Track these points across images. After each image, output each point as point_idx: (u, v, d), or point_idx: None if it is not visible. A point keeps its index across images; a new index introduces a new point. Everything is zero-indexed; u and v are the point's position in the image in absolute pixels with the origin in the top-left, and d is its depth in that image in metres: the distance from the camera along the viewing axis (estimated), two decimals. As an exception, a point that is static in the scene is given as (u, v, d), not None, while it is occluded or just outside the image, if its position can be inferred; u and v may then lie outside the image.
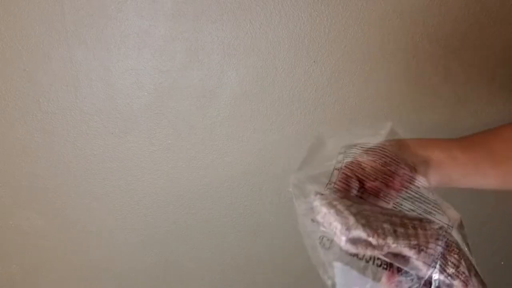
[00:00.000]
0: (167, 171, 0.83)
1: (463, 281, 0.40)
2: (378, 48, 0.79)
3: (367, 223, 0.39)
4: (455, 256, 0.41)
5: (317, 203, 0.42)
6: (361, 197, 0.44)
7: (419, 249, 0.39)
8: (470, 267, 0.41)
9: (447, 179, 0.49)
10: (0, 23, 0.70)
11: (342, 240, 0.39)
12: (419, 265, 0.39)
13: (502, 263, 1.00)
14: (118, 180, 0.83)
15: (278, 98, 0.80)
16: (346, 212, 0.40)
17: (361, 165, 0.44)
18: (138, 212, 0.86)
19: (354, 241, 0.39)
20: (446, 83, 0.84)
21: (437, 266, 0.40)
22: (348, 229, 0.39)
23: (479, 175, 0.50)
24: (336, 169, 0.44)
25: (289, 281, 0.97)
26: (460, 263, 0.40)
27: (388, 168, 0.44)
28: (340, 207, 0.40)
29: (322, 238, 0.42)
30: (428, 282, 0.40)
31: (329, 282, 0.41)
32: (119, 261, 0.90)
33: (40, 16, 0.70)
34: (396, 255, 0.39)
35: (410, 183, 0.44)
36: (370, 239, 0.38)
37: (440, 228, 0.41)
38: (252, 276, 0.96)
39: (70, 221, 0.86)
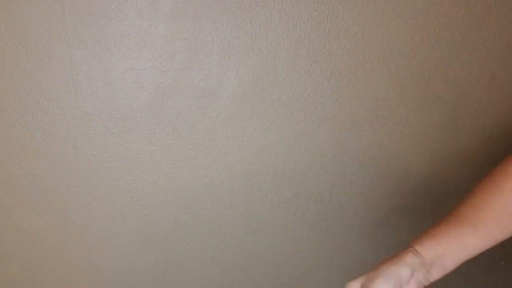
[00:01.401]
0: (167, 171, 0.83)
1: None
2: (378, 48, 0.79)
3: None
4: None
5: None
6: None
7: None
8: None
9: (463, 261, 0.54)
10: (0, 23, 0.70)
11: None
12: None
13: (502, 263, 1.00)
14: (118, 180, 0.83)
15: (278, 98, 0.80)
16: None
17: None
18: (138, 212, 0.86)
19: None
20: (446, 83, 0.84)
21: None
22: None
23: (490, 244, 0.54)
24: None
25: (289, 281, 0.97)
26: None
27: None
28: None
29: None
30: None
31: None
32: (119, 261, 0.90)
33: (40, 16, 0.70)
34: None
35: None
36: None
37: None
38: (252, 276, 0.96)
39: (70, 221, 0.86)
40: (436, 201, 0.93)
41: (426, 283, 0.53)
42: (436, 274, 0.53)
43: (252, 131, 0.82)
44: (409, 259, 0.52)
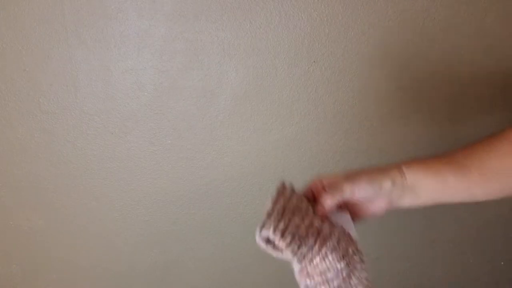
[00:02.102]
0: (167, 171, 0.83)
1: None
2: (378, 48, 0.79)
3: (286, 229, 0.47)
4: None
5: (269, 199, 0.51)
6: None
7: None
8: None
9: (436, 200, 0.54)
10: (0, 23, 0.70)
11: (256, 235, 0.49)
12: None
13: (502, 263, 1.00)
14: (118, 180, 0.83)
15: (278, 98, 0.80)
16: (275, 214, 0.48)
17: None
18: (138, 212, 0.86)
19: (265, 239, 0.48)
20: (448, 83, 0.84)
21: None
22: (262, 227, 0.48)
23: (467, 195, 0.54)
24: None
25: (289, 281, 0.97)
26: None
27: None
28: (278, 208, 0.49)
29: None
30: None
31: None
32: (119, 261, 0.90)
33: (40, 16, 0.70)
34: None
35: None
36: (276, 240, 0.46)
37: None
38: (252, 276, 0.96)
39: (70, 221, 0.86)
40: (436, 201, 0.93)
41: (394, 206, 0.54)
42: (408, 201, 0.53)
43: (252, 131, 0.82)
44: (394, 174, 0.52)
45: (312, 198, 0.55)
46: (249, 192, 0.87)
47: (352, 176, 0.53)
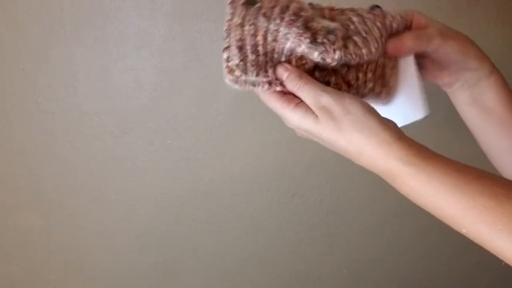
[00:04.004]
0: (167, 171, 0.83)
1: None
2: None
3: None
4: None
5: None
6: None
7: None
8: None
9: (478, 100, 0.50)
10: (-1, 23, 0.70)
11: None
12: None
13: (503, 263, 1.00)
14: (118, 180, 0.83)
15: (278, 98, 0.80)
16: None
17: None
18: (138, 212, 0.86)
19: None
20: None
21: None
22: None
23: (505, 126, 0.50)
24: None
25: (289, 281, 0.97)
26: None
27: None
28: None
29: None
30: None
31: None
32: (119, 261, 0.90)
33: (39, 15, 0.70)
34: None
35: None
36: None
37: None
38: (252, 276, 0.95)
39: (70, 221, 0.86)
40: (437, 201, 0.93)
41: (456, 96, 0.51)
42: (468, 101, 0.50)
43: (252, 131, 0.82)
44: (488, 65, 0.50)
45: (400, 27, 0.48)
46: (249, 192, 0.87)
47: (449, 33, 0.48)
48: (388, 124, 0.43)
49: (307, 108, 0.44)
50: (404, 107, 0.50)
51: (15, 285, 0.90)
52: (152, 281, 0.93)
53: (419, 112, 0.49)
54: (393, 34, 0.48)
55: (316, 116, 0.43)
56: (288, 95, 0.45)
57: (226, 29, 0.46)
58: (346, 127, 0.42)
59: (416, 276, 1.02)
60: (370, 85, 0.47)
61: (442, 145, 0.44)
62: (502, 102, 0.50)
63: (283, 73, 0.45)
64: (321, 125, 0.43)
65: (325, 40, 0.44)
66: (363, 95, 0.48)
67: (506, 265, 0.39)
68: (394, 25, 0.48)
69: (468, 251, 0.97)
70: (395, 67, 0.49)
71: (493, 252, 0.38)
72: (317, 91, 0.43)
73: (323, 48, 0.44)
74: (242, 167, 0.85)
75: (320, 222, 0.92)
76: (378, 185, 0.91)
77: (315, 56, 0.44)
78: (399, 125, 0.45)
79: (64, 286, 0.91)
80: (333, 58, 0.44)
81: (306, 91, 0.44)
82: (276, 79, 0.45)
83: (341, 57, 0.44)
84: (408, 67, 0.49)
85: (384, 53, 0.48)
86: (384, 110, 0.47)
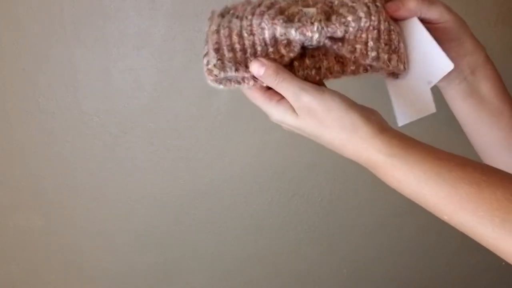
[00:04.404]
0: (167, 171, 0.83)
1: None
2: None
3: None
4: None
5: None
6: None
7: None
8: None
9: (473, 92, 0.50)
10: (-1, 23, 0.70)
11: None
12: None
13: (503, 263, 1.00)
14: (118, 180, 0.83)
15: (278, 98, 0.80)
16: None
17: None
18: (138, 212, 0.86)
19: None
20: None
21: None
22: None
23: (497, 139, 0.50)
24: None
25: (289, 281, 0.97)
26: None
27: None
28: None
29: None
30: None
31: None
32: (119, 261, 0.90)
33: (39, 15, 0.70)
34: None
35: None
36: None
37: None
38: (252, 276, 0.95)
39: (70, 221, 0.86)
40: (437, 201, 0.93)
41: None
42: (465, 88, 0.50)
43: (252, 131, 0.82)
44: (482, 52, 0.49)
45: None
46: (249, 192, 0.87)
47: (451, 8, 0.47)
48: (370, 117, 0.44)
49: (289, 104, 0.44)
50: (429, 66, 0.47)
51: (15, 285, 0.90)
52: (152, 281, 0.93)
53: (446, 64, 0.46)
54: None
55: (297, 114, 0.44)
56: (271, 90, 0.46)
57: (205, 39, 0.47)
58: (329, 124, 0.43)
59: (416, 276, 1.02)
60: (373, 54, 0.45)
61: (443, 145, 0.44)
62: (497, 92, 0.50)
63: (259, 69, 0.44)
64: (303, 122, 0.44)
65: (301, 18, 0.43)
66: (367, 68, 0.46)
67: (506, 265, 0.39)
68: None
69: (468, 251, 0.97)
70: (402, 32, 0.47)
71: (475, 239, 0.39)
72: (296, 89, 0.43)
73: (299, 24, 0.43)
74: (242, 167, 0.85)
75: (320, 222, 0.92)
76: (378, 185, 0.91)
77: (293, 34, 0.43)
78: (431, 84, 0.45)
79: (64, 286, 0.91)
80: (311, 30, 0.43)
81: (285, 88, 0.44)
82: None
83: (321, 28, 0.43)
84: (416, 28, 0.46)
85: (388, 18, 0.46)
86: (408, 78, 0.46)
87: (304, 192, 0.89)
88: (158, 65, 0.75)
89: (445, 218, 0.40)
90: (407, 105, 0.50)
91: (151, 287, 0.93)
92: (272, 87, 0.45)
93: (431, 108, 0.49)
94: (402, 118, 0.50)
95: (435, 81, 0.47)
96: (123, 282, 0.92)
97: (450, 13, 0.47)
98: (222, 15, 0.48)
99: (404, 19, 0.47)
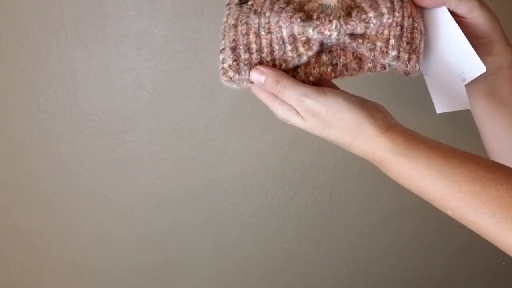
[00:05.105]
0: (167, 171, 0.83)
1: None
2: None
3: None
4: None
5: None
6: None
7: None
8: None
9: (492, 91, 0.49)
10: (-1, 23, 0.70)
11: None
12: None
13: (504, 263, 1.00)
14: (117, 180, 0.83)
15: (278, 98, 0.80)
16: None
17: None
18: (138, 212, 0.86)
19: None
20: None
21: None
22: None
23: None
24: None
25: (289, 281, 0.97)
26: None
27: None
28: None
29: None
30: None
31: None
32: (119, 261, 0.90)
33: (39, 15, 0.70)
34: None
35: None
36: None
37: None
38: (252, 276, 0.95)
39: (70, 221, 0.85)
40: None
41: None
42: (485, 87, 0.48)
43: (252, 131, 0.82)
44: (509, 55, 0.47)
45: None
46: (249, 192, 0.87)
47: (484, 3, 0.46)
48: (375, 115, 0.44)
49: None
50: (460, 62, 0.46)
51: (15, 285, 0.90)
52: (152, 281, 0.93)
53: (478, 67, 0.45)
54: None
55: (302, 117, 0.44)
56: None
57: (222, 31, 0.46)
58: (334, 125, 0.44)
59: (416, 276, 1.02)
60: (394, 53, 0.43)
61: (449, 140, 0.44)
62: None
63: (259, 77, 0.44)
64: (309, 124, 0.45)
65: (320, 15, 0.42)
66: (384, 66, 0.45)
67: (506, 265, 0.40)
68: None
69: (468, 251, 0.97)
70: (430, 21, 0.45)
71: (478, 233, 0.40)
72: (298, 96, 0.43)
73: (317, 22, 0.42)
74: (242, 167, 0.85)
75: (320, 222, 0.92)
76: (378, 185, 0.91)
77: (311, 32, 0.42)
78: (464, 82, 0.44)
79: (64, 286, 0.91)
80: (330, 28, 0.42)
81: (287, 96, 0.44)
82: None
83: (339, 26, 0.42)
84: (445, 20, 0.44)
85: (413, 13, 0.44)
86: (440, 70, 0.45)
87: (304, 192, 0.89)
88: (158, 65, 0.75)
89: (449, 213, 0.41)
90: (443, 95, 0.49)
91: (151, 287, 0.93)
92: (275, 94, 0.45)
93: (465, 104, 0.48)
94: (439, 107, 0.50)
95: (467, 80, 0.47)
96: (123, 282, 0.92)
97: (481, 9, 0.46)
98: (240, 5, 0.46)
99: (431, 7, 0.46)
